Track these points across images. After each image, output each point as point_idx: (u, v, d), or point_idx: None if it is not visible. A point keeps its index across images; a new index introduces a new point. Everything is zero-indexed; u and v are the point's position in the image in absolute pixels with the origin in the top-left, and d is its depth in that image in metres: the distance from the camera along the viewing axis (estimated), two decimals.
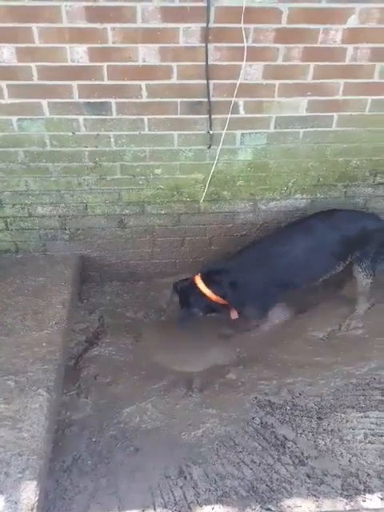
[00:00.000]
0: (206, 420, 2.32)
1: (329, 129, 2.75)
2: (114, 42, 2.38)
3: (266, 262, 2.72)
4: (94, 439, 2.27)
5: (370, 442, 2.10)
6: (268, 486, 2.01)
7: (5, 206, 2.90)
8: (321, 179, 2.95)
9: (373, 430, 2.15)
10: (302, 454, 2.11)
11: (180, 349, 2.83)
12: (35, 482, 1.84)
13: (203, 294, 2.70)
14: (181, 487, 2.05)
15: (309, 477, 2.02)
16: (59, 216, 2.97)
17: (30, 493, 1.80)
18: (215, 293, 2.69)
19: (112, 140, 2.69)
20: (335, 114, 2.70)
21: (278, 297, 2.85)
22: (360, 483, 1.96)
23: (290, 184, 2.95)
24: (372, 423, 2.17)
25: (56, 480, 2.09)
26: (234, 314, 2.77)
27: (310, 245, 2.73)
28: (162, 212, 3.00)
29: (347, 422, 2.20)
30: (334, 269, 2.83)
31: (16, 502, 1.77)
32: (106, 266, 3.22)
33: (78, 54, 2.40)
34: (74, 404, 2.44)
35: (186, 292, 2.78)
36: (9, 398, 2.14)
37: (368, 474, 1.99)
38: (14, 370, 2.27)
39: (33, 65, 2.42)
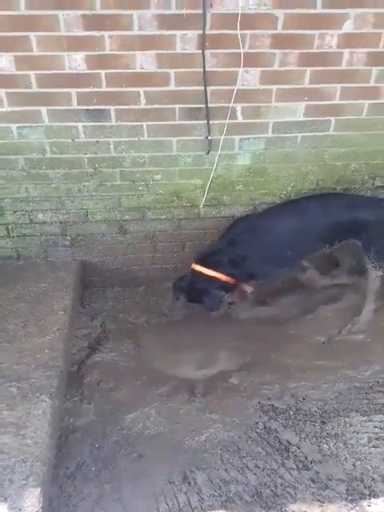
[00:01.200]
0: (209, 425, 2.27)
1: (326, 133, 2.70)
2: (111, 50, 2.34)
3: (255, 236, 2.70)
4: (97, 445, 2.22)
5: (374, 446, 2.04)
6: (272, 491, 1.95)
7: (6, 212, 2.86)
8: (320, 183, 2.90)
9: (377, 433, 2.10)
10: (306, 458, 2.05)
11: (182, 354, 2.76)
12: (39, 489, 1.79)
13: (213, 277, 2.68)
14: (185, 493, 1.99)
15: (313, 481, 1.96)
16: (60, 222, 2.92)
17: (33, 500, 1.75)
18: (222, 272, 2.68)
19: (111, 146, 2.65)
20: (332, 119, 2.66)
21: (279, 265, 2.80)
22: (365, 488, 1.91)
23: (289, 188, 2.90)
24: (376, 427, 2.12)
25: (60, 486, 2.03)
26: (248, 288, 2.78)
27: (297, 224, 2.70)
28: (162, 217, 2.95)
29: (351, 425, 2.15)
30: (319, 250, 2.79)
31: (20, 509, 1.72)
32: (108, 271, 3.17)
33: (76, 61, 2.36)
34: (77, 410, 2.38)
35: (195, 283, 2.74)
36: (12, 405, 2.09)
37: (373, 479, 1.93)
38: (16, 377, 2.22)
39: (31, 73, 2.38)
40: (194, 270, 2.75)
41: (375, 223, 2.68)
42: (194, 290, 2.78)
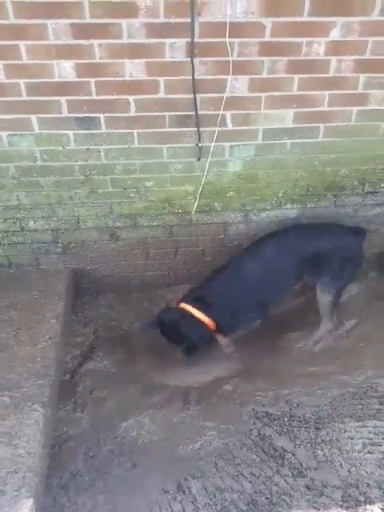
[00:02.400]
0: (203, 433, 2.20)
1: (316, 140, 2.68)
2: (100, 58, 2.31)
3: (233, 283, 2.61)
4: (91, 454, 2.15)
5: (368, 452, 1.98)
6: (268, 498, 1.89)
7: None
8: (310, 189, 2.87)
9: (371, 439, 2.04)
10: (301, 465, 1.99)
11: (176, 361, 2.69)
12: (31, 500, 1.71)
13: (200, 321, 2.55)
14: (180, 502, 1.92)
15: (308, 488, 1.89)
16: (51, 230, 2.87)
17: (26, 511, 1.68)
18: (209, 316, 2.55)
19: (102, 154, 2.61)
20: (321, 125, 2.63)
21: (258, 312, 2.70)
22: (360, 494, 1.84)
23: (279, 194, 2.86)
24: (370, 432, 2.06)
25: (53, 497, 1.96)
26: (222, 341, 2.69)
27: (276, 261, 2.61)
28: (154, 224, 2.90)
29: (345, 431, 2.09)
30: (293, 285, 2.76)
31: None
32: (100, 278, 3.11)
33: (66, 69, 2.32)
34: (70, 419, 2.31)
35: (179, 323, 2.57)
36: (4, 415, 2.02)
37: (368, 485, 1.87)
38: (8, 386, 2.15)
39: (21, 81, 2.34)
40: (181, 309, 2.60)
41: (333, 251, 2.62)
42: (174, 331, 2.59)
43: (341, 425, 2.13)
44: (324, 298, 2.72)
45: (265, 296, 2.66)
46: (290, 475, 1.97)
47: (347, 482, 1.91)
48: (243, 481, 1.98)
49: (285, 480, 1.95)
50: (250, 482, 1.97)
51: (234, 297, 2.59)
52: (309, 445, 2.08)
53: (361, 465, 1.96)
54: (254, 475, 1.99)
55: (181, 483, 2.00)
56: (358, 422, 2.13)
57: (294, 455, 2.05)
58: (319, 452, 2.03)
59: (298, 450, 2.06)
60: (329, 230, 2.75)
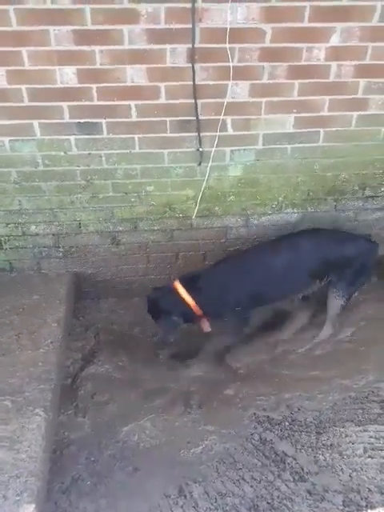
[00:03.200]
0: (205, 437, 2.20)
1: (316, 144, 2.67)
2: (102, 64, 2.31)
3: (244, 272, 2.61)
4: (92, 459, 2.14)
5: (369, 457, 1.98)
6: (269, 503, 1.88)
7: None
8: (311, 193, 2.86)
9: (372, 443, 2.03)
10: (302, 469, 1.98)
11: (176, 365, 2.69)
12: (33, 505, 1.71)
13: (183, 300, 2.54)
14: (181, 507, 1.92)
15: (310, 493, 1.89)
16: (53, 234, 2.86)
17: None
18: (195, 299, 2.54)
19: (103, 159, 2.60)
20: (321, 130, 2.63)
21: (254, 306, 2.71)
22: (361, 499, 1.84)
23: (280, 199, 2.86)
24: (371, 437, 2.06)
25: (55, 502, 1.95)
26: (205, 326, 2.65)
27: (288, 261, 2.60)
28: (155, 228, 2.89)
29: (346, 436, 2.09)
30: (309, 287, 2.71)
31: None
32: (101, 282, 3.10)
33: (68, 75, 2.33)
34: (72, 423, 2.30)
35: (162, 299, 2.63)
36: (6, 419, 2.01)
37: (369, 489, 1.86)
38: (10, 390, 2.15)
39: (23, 87, 2.35)
40: (172, 286, 2.61)
41: (350, 260, 2.63)
42: (157, 305, 2.64)
43: (342, 429, 2.13)
44: (336, 302, 2.71)
45: (259, 293, 2.64)
46: (292, 480, 1.96)
47: (348, 486, 1.90)
48: (244, 485, 1.97)
49: (286, 485, 1.94)
50: (251, 486, 1.97)
51: (227, 286, 2.58)
52: (310, 449, 2.07)
53: (362, 469, 1.95)
54: (256, 480, 1.99)
55: (182, 488, 1.99)
56: (358, 426, 2.13)
57: (295, 460, 2.04)
58: (320, 456, 2.03)
59: (299, 455, 2.06)
60: (350, 238, 2.74)
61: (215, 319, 2.69)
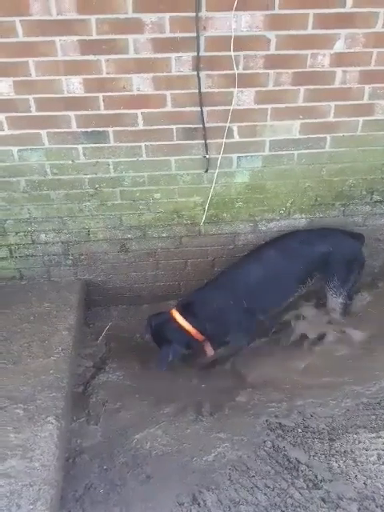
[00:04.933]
0: (217, 444, 2.12)
1: (322, 150, 2.63)
2: (108, 73, 2.29)
3: (231, 288, 2.56)
4: (105, 467, 2.07)
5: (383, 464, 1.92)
6: (283, 511, 1.81)
7: (8, 233, 2.76)
8: (318, 199, 2.82)
9: None
10: (316, 477, 1.91)
11: (187, 372, 2.63)
12: None
13: (182, 328, 2.50)
14: None
15: (324, 501, 1.82)
16: (62, 242, 2.82)
17: None
18: (194, 325, 2.50)
19: (111, 167, 2.57)
20: (328, 136, 2.59)
21: (251, 322, 2.62)
22: (377, 507, 1.77)
23: (288, 204, 2.81)
24: None
25: (68, 510, 1.89)
26: (209, 351, 2.62)
27: (274, 268, 2.57)
28: (164, 235, 2.85)
29: (360, 442, 2.01)
30: (300, 289, 2.66)
31: None
32: (111, 290, 3.06)
33: (74, 85, 2.30)
34: (84, 431, 2.24)
35: (163, 328, 2.56)
36: (18, 427, 1.97)
37: None
38: (22, 399, 2.10)
39: (30, 97, 2.32)
40: (170, 314, 2.56)
41: (335, 254, 2.59)
42: (158, 335, 2.57)
43: (355, 436, 2.06)
44: (335, 301, 2.68)
45: (255, 305, 2.58)
46: (305, 487, 1.89)
47: (363, 494, 1.83)
48: (258, 493, 1.90)
49: (300, 492, 1.87)
50: (264, 494, 1.90)
51: (222, 307, 2.54)
52: (323, 456, 2.00)
53: (376, 477, 1.88)
54: (269, 487, 1.92)
55: (195, 496, 1.93)
56: (372, 433, 2.05)
57: (308, 467, 1.97)
58: (334, 463, 1.96)
59: (312, 462, 1.99)
60: (330, 234, 2.71)
61: (218, 341, 2.64)
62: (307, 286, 2.70)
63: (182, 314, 2.53)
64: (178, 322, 2.52)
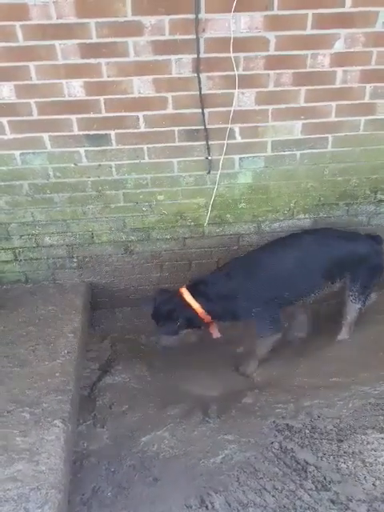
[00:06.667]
0: (224, 446, 2.06)
1: (325, 150, 2.58)
2: (109, 76, 2.24)
3: (253, 273, 2.44)
4: (112, 470, 2.02)
5: None
6: None
7: (13, 237, 2.72)
8: (322, 199, 2.76)
9: None
10: (325, 478, 1.84)
11: (194, 374, 2.58)
12: None
13: (190, 307, 2.40)
14: None
15: (333, 502, 1.75)
16: (66, 245, 2.78)
17: None
18: (202, 305, 2.40)
19: (113, 169, 2.53)
20: (330, 136, 2.54)
21: (274, 310, 2.50)
22: None
23: (291, 205, 2.76)
24: None
25: None
26: (215, 333, 2.52)
27: (298, 260, 2.45)
28: (168, 237, 2.81)
29: (368, 443, 1.93)
30: (321, 288, 2.54)
31: None
32: (116, 292, 3.02)
33: (75, 88, 2.26)
34: (91, 434, 2.19)
35: (168, 303, 2.46)
36: (25, 431, 1.92)
37: None
38: (28, 402, 2.06)
39: (32, 101, 2.28)
40: (179, 292, 2.47)
41: (364, 258, 2.49)
42: (162, 309, 2.47)
43: (363, 436, 1.98)
44: (354, 306, 2.59)
45: (276, 295, 2.47)
46: (314, 489, 1.82)
47: (373, 495, 1.75)
48: (266, 495, 1.83)
49: (308, 494, 1.80)
50: (273, 496, 1.83)
51: (238, 290, 2.43)
52: (331, 457, 1.93)
53: None
54: (277, 489, 1.85)
55: (203, 498, 1.86)
56: (380, 433, 1.97)
57: (316, 468, 1.90)
58: (342, 465, 1.88)
59: (320, 463, 1.91)
60: (360, 238, 2.58)
61: (226, 321, 2.54)
62: (334, 285, 2.57)
63: (191, 292, 2.43)
64: (185, 300, 2.42)
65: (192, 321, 2.44)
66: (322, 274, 2.50)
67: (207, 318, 2.45)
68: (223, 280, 2.49)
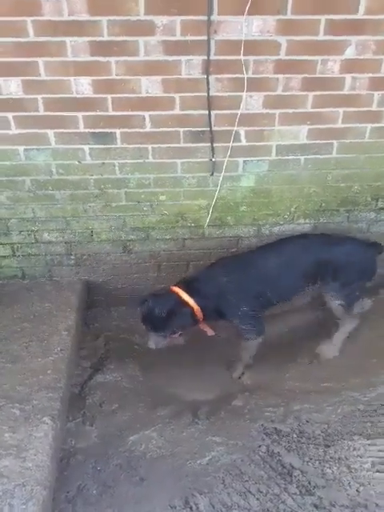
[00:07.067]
0: (211, 448, 2.22)
1: (329, 156, 2.73)
2: (117, 75, 2.39)
3: (242, 271, 2.63)
4: (99, 468, 2.18)
5: (377, 471, 1.98)
6: None
7: (12, 232, 2.89)
8: (323, 204, 2.92)
9: (381, 458, 2.04)
10: (309, 483, 2.00)
11: (186, 375, 2.74)
12: None
13: (186, 304, 2.50)
14: None
15: (316, 507, 1.90)
16: (65, 242, 2.95)
17: None
18: (197, 302, 2.51)
19: (117, 168, 2.68)
20: (335, 142, 2.69)
21: (258, 312, 2.67)
22: None
23: (292, 209, 2.92)
24: (380, 451, 2.06)
25: (60, 511, 1.98)
26: (209, 330, 2.66)
27: (281, 263, 2.65)
28: (167, 237, 2.97)
29: (354, 449, 2.09)
30: (303, 290, 2.75)
31: None
32: (112, 290, 3.18)
33: (83, 86, 2.41)
34: (79, 432, 2.35)
35: (165, 303, 2.52)
36: (14, 427, 2.07)
37: (377, 505, 1.87)
38: (19, 398, 2.21)
39: (39, 97, 2.43)
40: (172, 290, 2.58)
41: (344, 261, 2.67)
42: (159, 310, 2.50)
43: (350, 442, 2.13)
44: (334, 303, 2.76)
45: (266, 291, 2.65)
46: (298, 493, 1.97)
47: (356, 501, 1.91)
48: (250, 498, 1.99)
49: (292, 498, 1.96)
50: (257, 499, 1.99)
51: (228, 287, 2.59)
52: (317, 462, 2.08)
53: (370, 484, 1.95)
54: (262, 492, 2.00)
55: (188, 499, 2.02)
56: (367, 439, 2.13)
57: (302, 473, 2.05)
58: (328, 470, 2.04)
59: (306, 468, 2.07)
60: (346, 241, 2.78)
61: (217, 320, 2.68)
62: (314, 287, 2.76)
63: (186, 291, 2.55)
64: (182, 299, 2.53)
65: (190, 320, 2.55)
66: (303, 277, 2.68)
67: (200, 315, 2.57)
68: (214, 277, 2.64)
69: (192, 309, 2.52)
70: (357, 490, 1.93)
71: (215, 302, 2.58)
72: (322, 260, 2.66)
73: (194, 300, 2.52)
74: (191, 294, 2.53)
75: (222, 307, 2.61)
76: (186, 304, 2.52)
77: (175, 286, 2.60)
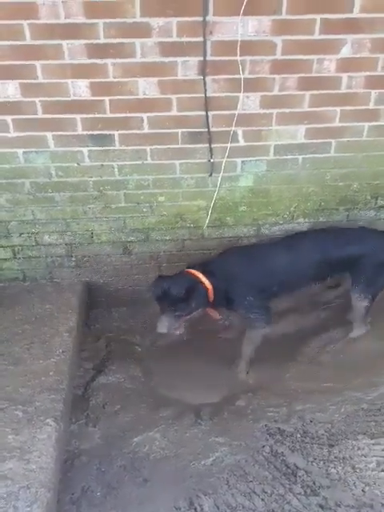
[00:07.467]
0: (215, 449, 2.16)
1: (327, 155, 2.68)
2: (114, 77, 2.35)
3: (256, 260, 2.60)
4: (103, 469, 2.12)
5: (382, 470, 1.93)
6: None
7: (12, 235, 2.84)
8: (322, 203, 2.87)
9: None
10: (314, 483, 1.94)
11: (187, 376, 2.66)
12: None
13: (202, 284, 2.45)
14: None
15: (322, 507, 1.84)
16: (65, 244, 2.90)
17: None
18: (212, 284, 2.46)
19: (116, 170, 2.64)
20: (333, 141, 2.65)
21: (265, 301, 2.62)
22: None
23: (292, 209, 2.87)
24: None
25: None
26: (215, 315, 2.63)
27: (293, 256, 2.61)
28: (167, 238, 2.92)
29: (358, 449, 2.03)
30: (312, 283, 2.70)
31: None
32: (113, 292, 3.13)
33: (80, 88, 2.37)
34: (83, 433, 2.29)
35: (182, 281, 2.47)
36: (17, 429, 2.01)
37: (382, 504, 1.81)
38: (21, 400, 2.15)
39: (37, 99, 2.39)
40: (188, 272, 2.52)
41: (364, 257, 2.60)
42: (177, 288, 2.42)
43: (354, 442, 2.08)
44: (359, 304, 2.70)
45: (271, 282, 2.60)
46: (303, 493, 1.92)
47: (361, 501, 1.85)
48: (255, 498, 1.93)
49: (297, 498, 1.90)
50: (262, 499, 1.93)
51: (240, 274, 2.55)
52: (322, 462, 2.03)
53: (375, 484, 1.90)
54: (266, 493, 1.95)
55: (192, 500, 1.96)
56: (371, 439, 2.07)
57: (306, 473, 2.00)
58: (332, 470, 1.98)
59: (310, 468, 2.01)
60: (365, 236, 2.71)
61: (226, 307, 2.64)
62: (325, 283, 2.74)
63: (201, 272, 2.50)
64: (198, 278, 2.47)
65: (206, 299, 2.49)
66: (312, 273, 2.64)
67: (212, 297, 2.50)
68: (226, 261, 2.62)
69: (207, 289, 2.47)
70: (362, 490, 1.87)
71: (226, 285, 2.53)
72: (341, 256, 2.60)
73: (208, 280, 2.47)
74: (206, 275, 2.48)
75: (231, 292, 2.56)
76: (202, 284, 2.46)
77: (191, 268, 2.54)
